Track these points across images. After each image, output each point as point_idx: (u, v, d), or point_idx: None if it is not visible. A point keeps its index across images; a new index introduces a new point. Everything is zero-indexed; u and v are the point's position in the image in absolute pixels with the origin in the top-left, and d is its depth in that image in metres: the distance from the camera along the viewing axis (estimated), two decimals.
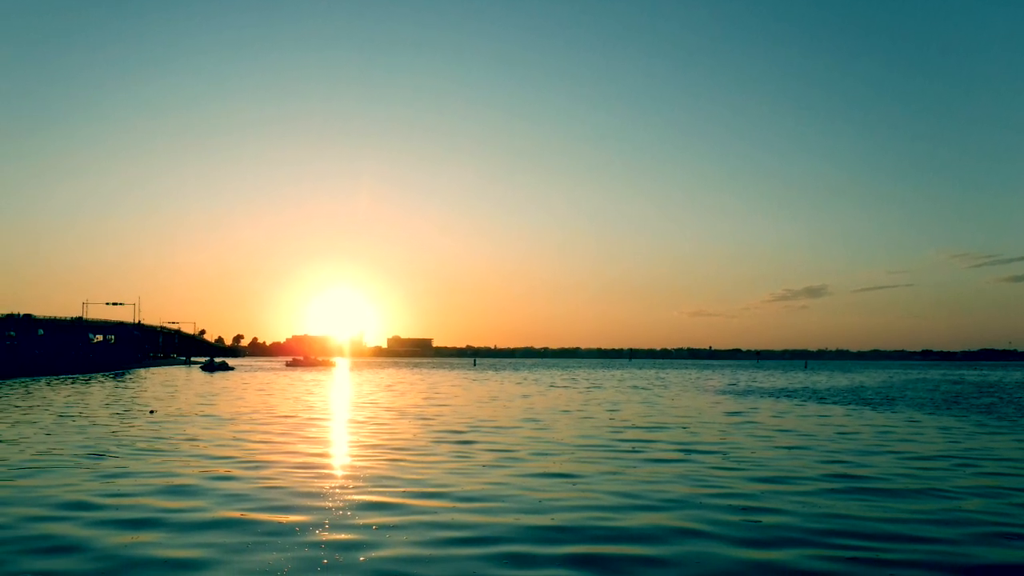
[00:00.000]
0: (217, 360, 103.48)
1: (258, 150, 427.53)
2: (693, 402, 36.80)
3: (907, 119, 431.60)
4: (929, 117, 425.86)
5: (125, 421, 24.37)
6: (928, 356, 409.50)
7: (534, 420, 25.84)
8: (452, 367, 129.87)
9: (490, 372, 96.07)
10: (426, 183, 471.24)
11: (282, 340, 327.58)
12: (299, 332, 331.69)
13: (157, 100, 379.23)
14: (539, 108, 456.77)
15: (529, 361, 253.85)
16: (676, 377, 79.83)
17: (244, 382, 60.03)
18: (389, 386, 54.08)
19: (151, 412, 28.55)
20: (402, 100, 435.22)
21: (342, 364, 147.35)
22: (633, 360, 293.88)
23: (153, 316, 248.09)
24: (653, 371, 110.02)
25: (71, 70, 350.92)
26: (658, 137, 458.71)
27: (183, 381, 60.78)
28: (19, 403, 32.26)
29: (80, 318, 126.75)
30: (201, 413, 28.07)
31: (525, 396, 41.48)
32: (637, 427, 23.52)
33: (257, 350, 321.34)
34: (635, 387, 54.31)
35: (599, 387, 53.99)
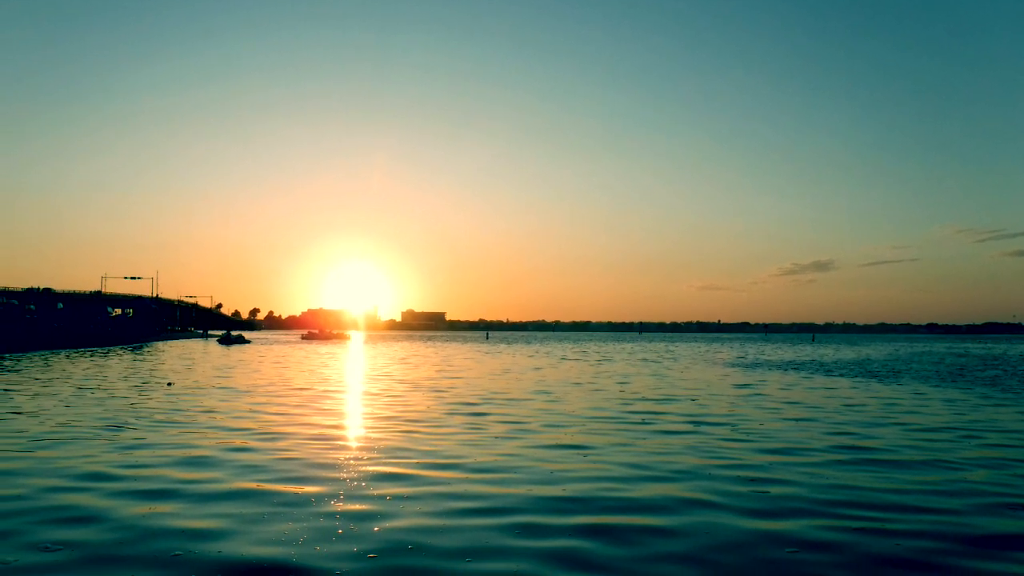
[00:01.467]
0: (234, 333, 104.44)
1: (273, 127, 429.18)
2: (702, 375, 36.84)
3: (913, 97, 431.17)
4: (935, 95, 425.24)
5: (143, 393, 24.71)
6: (933, 329, 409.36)
7: (546, 392, 25.98)
8: (465, 340, 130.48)
9: (502, 345, 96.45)
10: (439, 160, 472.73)
11: (298, 314, 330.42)
12: (314, 306, 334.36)
13: (173, 78, 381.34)
14: (550, 85, 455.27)
15: (540, 334, 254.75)
16: (685, 350, 79.88)
17: (260, 355, 60.61)
18: (403, 359, 54.42)
19: (169, 384, 28.91)
20: (415, 78, 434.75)
21: (356, 337, 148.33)
22: (643, 334, 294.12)
23: (171, 290, 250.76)
24: (663, 344, 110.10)
25: (90, 49, 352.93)
26: (668, 114, 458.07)
27: (200, 354, 61.41)
28: (39, 375, 32.76)
29: (99, 292, 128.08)
30: (218, 385, 28.41)
31: (537, 369, 41.66)
32: (647, 399, 23.60)
33: (273, 323, 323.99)
34: (645, 360, 54.42)
35: (609, 360, 54.15)
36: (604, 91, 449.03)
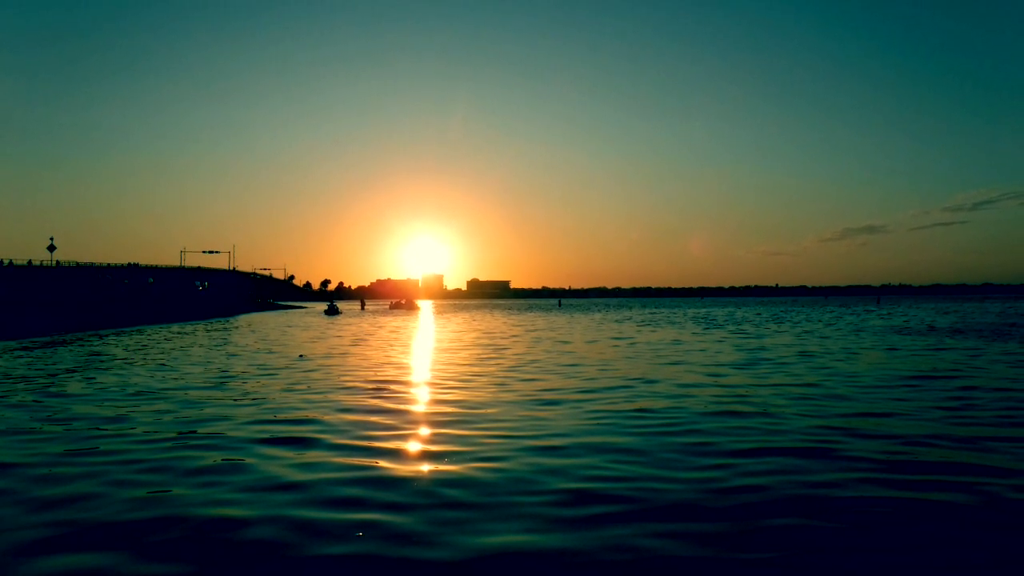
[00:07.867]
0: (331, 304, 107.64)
1: (345, 92, 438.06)
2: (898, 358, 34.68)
3: (964, 64, 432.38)
4: (986, 62, 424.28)
5: (299, 369, 24.15)
6: (989, 289, 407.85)
7: (716, 376, 24.57)
8: (541, 309, 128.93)
9: (578, 315, 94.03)
10: (510, 122, 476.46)
11: (367, 284, 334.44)
12: (381, 276, 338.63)
13: (245, 48, 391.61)
14: (629, 47, 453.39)
15: (613, 301, 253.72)
16: (802, 320, 75.00)
17: (370, 325, 60.82)
18: (514, 336, 53.28)
19: (300, 357, 28.54)
20: (492, 35, 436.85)
21: (426, 307, 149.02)
22: (704, 299, 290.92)
23: (244, 263, 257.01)
24: (749, 311, 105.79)
25: (168, 20, 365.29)
26: (742, 85, 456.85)
27: (310, 327, 61.57)
28: (202, 341, 32.69)
29: (182, 267, 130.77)
30: (390, 358, 27.68)
31: (675, 343, 40.03)
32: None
33: (343, 294, 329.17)
34: (780, 330, 51.60)
35: (716, 327, 51.48)
36: (678, 60, 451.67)
